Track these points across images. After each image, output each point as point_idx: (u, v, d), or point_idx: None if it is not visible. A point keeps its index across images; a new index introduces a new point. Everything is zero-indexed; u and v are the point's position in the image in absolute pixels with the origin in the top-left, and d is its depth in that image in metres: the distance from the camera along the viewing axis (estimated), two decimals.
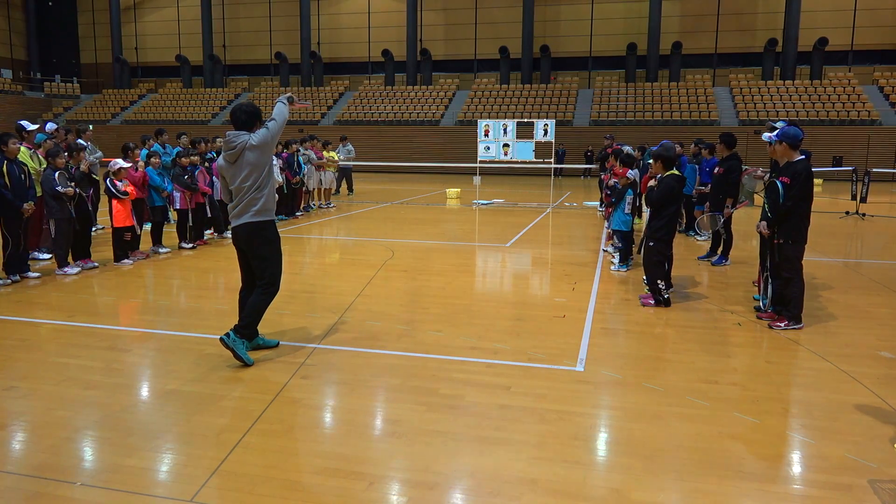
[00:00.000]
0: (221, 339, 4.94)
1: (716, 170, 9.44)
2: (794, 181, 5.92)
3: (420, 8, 41.37)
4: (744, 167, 9.43)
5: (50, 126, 10.60)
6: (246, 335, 5.01)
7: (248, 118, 4.99)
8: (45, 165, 8.80)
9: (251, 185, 4.91)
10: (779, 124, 6.81)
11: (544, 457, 3.58)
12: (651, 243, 6.90)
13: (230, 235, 5.33)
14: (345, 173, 20.27)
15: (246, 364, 4.92)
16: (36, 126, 9.55)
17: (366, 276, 8.26)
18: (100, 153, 11.68)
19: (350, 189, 20.47)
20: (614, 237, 9.08)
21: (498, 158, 17.06)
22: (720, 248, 9.38)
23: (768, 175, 6.96)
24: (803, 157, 6.09)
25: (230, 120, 5.06)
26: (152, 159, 9.67)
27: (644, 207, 8.54)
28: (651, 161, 7.30)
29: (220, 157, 5.07)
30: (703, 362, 5.17)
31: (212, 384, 4.60)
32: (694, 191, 10.98)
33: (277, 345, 5.38)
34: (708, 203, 9.66)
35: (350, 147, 19.79)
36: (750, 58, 38.46)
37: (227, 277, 8.15)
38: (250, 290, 5.17)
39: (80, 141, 10.36)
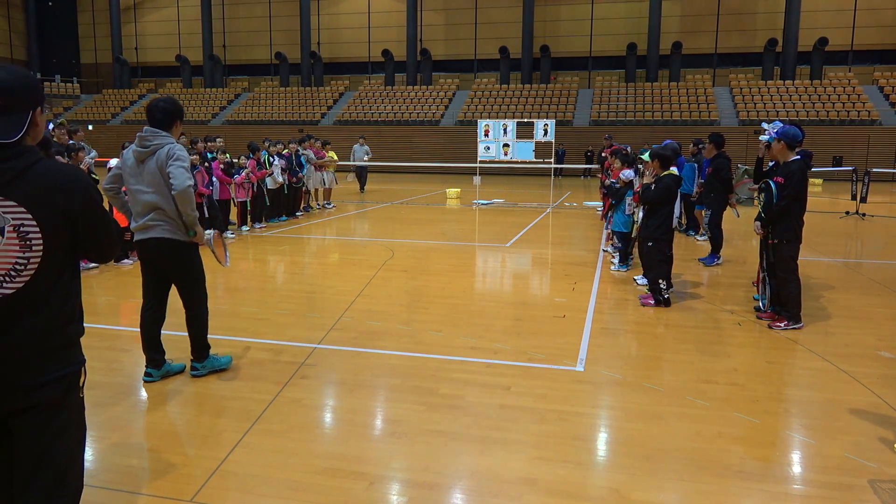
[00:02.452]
0: (193, 376, 4.67)
1: (706, 170, 9.51)
2: (787, 181, 5.92)
3: (420, 8, 41.35)
4: (742, 171, 9.49)
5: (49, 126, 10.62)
6: (206, 355, 4.69)
7: (165, 117, 4.36)
8: None
9: (154, 196, 4.35)
10: (773, 124, 6.82)
11: (544, 457, 3.58)
12: (650, 243, 6.90)
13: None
14: (363, 171, 21.01)
15: (227, 366, 4.82)
16: None
17: (366, 276, 8.26)
18: (94, 152, 11.66)
19: (362, 188, 21.25)
20: (614, 237, 9.09)
21: (498, 158, 17.05)
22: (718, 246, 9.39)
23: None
24: (798, 157, 6.09)
25: (146, 116, 4.43)
26: None
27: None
28: (647, 159, 7.31)
29: (129, 151, 4.45)
30: (703, 362, 5.18)
31: (212, 384, 4.60)
32: (695, 191, 11.00)
33: (184, 369, 4.81)
34: (705, 206, 9.72)
35: (367, 147, 20.50)
36: (750, 58, 38.43)
37: (227, 277, 8.14)
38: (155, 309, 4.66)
39: (70, 142, 10.37)
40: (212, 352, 4.81)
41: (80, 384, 2.22)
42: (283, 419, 4.05)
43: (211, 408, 4.24)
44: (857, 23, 37.01)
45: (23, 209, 2.02)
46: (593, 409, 4.32)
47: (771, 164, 7.35)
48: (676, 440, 3.80)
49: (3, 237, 2.01)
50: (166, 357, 4.70)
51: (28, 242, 2.03)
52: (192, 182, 4.33)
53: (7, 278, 2.02)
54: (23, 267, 2.03)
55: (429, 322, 6.22)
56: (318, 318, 6.30)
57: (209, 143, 12.22)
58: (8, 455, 2.14)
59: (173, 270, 4.60)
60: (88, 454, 3.62)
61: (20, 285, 2.03)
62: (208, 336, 4.75)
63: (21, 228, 2.02)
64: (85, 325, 2.29)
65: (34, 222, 2.03)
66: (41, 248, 2.05)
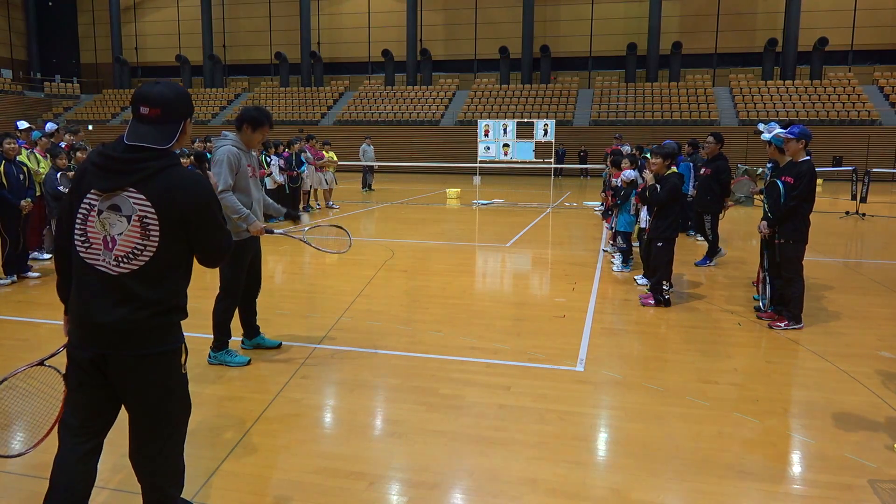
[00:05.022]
0: (209, 363, 4.98)
1: (702, 171, 9.44)
2: (798, 181, 5.91)
3: (420, 8, 41.35)
4: (742, 170, 9.45)
5: (50, 126, 10.60)
6: (219, 346, 4.98)
7: (239, 119, 4.82)
8: (42, 164, 8.81)
9: None
10: (770, 125, 6.83)
11: (544, 457, 3.58)
12: (660, 244, 6.89)
13: None
14: (369, 171, 21.93)
15: (243, 365, 4.94)
16: (28, 126, 9.59)
17: (366, 276, 8.26)
18: None
19: (368, 186, 21.99)
20: (618, 238, 9.07)
21: (498, 158, 17.06)
22: (716, 254, 9.36)
23: (765, 179, 6.97)
24: (808, 157, 6.10)
25: None
26: None
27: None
28: (649, 158, 7.30)
29: None
30: (703, 362, 5.17)
31: (212, 384, 4.61)
32: (692, 189, 11.00)
33: (279, 345, 5.39)
34: (697, 208, 9.70)
35: (368, 147, 21.54)
36: (750, 58, 38.43)
37: None
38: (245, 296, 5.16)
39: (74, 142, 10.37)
40: (208, 352, 4.98)
41: (182, 361, 2.56)
42: (283, 419, 4.05)
43: (211, 408, 4.24)
44: (857, 23, 37.00)
45: (149, 203, 2.34)
46: (593, 409, 4.32)
47: (769, 165, 7.35)
48: (676, 440, 3.80)
49: (129, 224, 2.35)
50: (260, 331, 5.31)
51: (147, 232, 2.35)
52: (222, 187, 4.63)
53: (125, 259, 2.36)
54: (140, 252, 2.36)
55: (429, 322, 6.22)
56: (318, 318, 6.30)
57: (209, 144, 12.22)
58: (110, 398, 2.53)
59: None
60: None
61: (135, 267, 2.36)
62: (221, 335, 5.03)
63: (144, 219, 2.35)
64: None
65: (156, 216, 2.35)
66: (157, 239, 2.36)
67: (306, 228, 5.31)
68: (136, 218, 2.34)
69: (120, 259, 2.35)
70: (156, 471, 2.57)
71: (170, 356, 2.48)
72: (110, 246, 2.35)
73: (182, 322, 2.56)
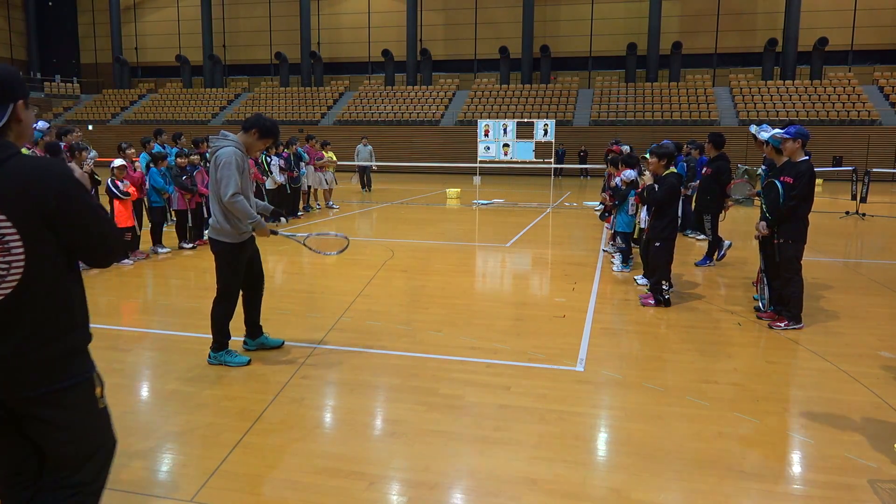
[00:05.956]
0: (209, 363, 4.99)
1: (703, 170, 9.42)
2: (797, 181, 5.90)
3: (420, 8, 41.33)
4: (742, 171, 9.43)
5: (42, 125, 10.58)
6: (218, 346, 4.98)
7: (252, 123, 4.88)
8: None
9: (212, 197, 4.83)
10: (762, 127, 6.83)
11: (544, 457, 3.58)
12: (658, 244, 6.89)
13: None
14: (365, 171, 21.79)
15: (243, 365, 4.95)
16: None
17: (366, 276, 8.26)
18: (94, 153, 11.67)
19: (368, 187, 21.96)
20: (617, 238, 9.08)
21: (498, 158, 17.06)
22: (721, 248, 9.36)
23: (762, 181, 6.96)
24: (807, 157, 6.10)
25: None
26: (160, 161, 9.69)
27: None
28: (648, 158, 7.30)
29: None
30: (703, 362, 5.18)
31: (211, 384, 4.61)
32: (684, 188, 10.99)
33: (282, 344, 5.39)
34: (694, 205, 9.68)
35: (370, 147, 21.53)
36: (750, 58, 38.41)
37: None
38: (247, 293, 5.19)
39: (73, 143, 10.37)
40: (208, 352, 5.01)
41: (98, 395, 2.16)
42: (283, 419, 4.05)
43: (211, 408, 4.24)
44: (857, 23, 36.99)
45: None
46: (593, 409, 4.32)
47: (763, 167, 7.34)
48: (676, 440, 3.80)
49: None
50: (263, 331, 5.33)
51: (6, 246, 1.89)
52: (233, 190, 4.65)
53: None
54: (5, 272, 1.90)
55: (429, 322, 6.22)
56: (318, 318, 6.30)
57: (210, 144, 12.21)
58: (25, 444, 2.15)
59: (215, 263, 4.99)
60: None
61: (7, 292, 1.91)
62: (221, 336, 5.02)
63: None
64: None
65: (10, 223, 1.88)
66: (22, 251, 1.90)
67: (309, 235, 5.34)
68: None
69: None
70: None
71: (82, 389, 2.09)
72: None
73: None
